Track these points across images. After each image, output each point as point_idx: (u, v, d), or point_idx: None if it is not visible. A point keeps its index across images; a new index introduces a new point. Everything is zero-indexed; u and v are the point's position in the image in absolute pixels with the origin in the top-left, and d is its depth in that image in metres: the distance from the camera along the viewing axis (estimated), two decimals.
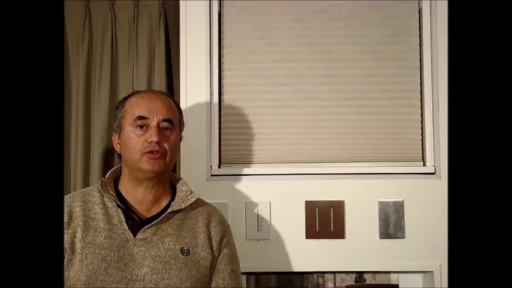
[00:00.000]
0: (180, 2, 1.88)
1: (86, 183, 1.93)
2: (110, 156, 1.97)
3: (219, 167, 1.87)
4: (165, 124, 1.39)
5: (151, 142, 1.35)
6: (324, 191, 1.82)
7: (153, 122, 1.37)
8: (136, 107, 1.40)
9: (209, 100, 1.86)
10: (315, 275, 1.85)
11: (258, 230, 1.80)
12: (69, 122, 1.98)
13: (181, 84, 1.86)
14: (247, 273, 1.82)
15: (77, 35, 2.01)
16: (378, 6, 1.90)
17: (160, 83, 1.95)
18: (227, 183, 1.83)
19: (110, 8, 2.01)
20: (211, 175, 1.85)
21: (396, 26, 1.90)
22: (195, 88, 1.85)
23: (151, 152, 1.35)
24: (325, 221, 1.80)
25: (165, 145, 1.38)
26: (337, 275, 1.85)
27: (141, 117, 1.38)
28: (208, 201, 1.51)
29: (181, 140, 1.47)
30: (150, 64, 1.99)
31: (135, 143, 1.37)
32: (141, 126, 1.38)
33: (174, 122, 1.42)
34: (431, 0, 1.88)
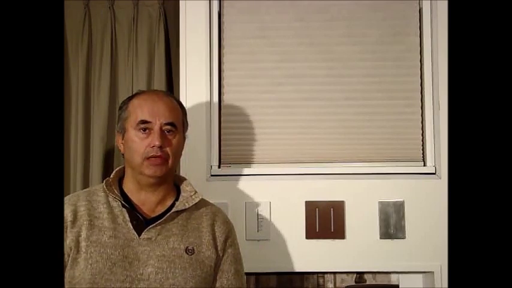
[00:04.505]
0: (180, 2, 1.88)
1: (86, 183, 1.93)
2: (110, 156, 1.97)
3: (219, 167, 1.87)
4: (168, 127, 1.39)
5: (153, 146, 1.35)
6: (324, 191, 1.82)
7: (156, 126, 1.37)
8: (139, 110, 1.39)
9: (209, 100, 1.86)
10: (315, 275, 1.85)
11: (258, 230, 1.80)
12: (69, 122, 1.98)
13: (181, 84, 1.86)
14: (247, 274, 1.81)
15: (76, 34, 2.01)
16: (378, 6, 1.90)
17: (160, 83, 1.95)
18: (227, 183, 1.83)
19: (109, 8, 2.01)
20: (211, 175, 1.85)
21: (396, 26, 1.90)
22: (195, 88, 1.85)
23: (153, 157, 1.36)
24: (325, 221, 1.80)
25: (168, 149, 1.38)
26: (337, 275, 1.85)
27: (143, 121, 1.38)
28: None
29: (185, 140, 1.47)
30: (150, 64, 1.99)
31: (137, 146, 1.37)
32: (144, 130, 1.38)
33: (177, 124, 1.41)
34: (432, 0, 1.88)
